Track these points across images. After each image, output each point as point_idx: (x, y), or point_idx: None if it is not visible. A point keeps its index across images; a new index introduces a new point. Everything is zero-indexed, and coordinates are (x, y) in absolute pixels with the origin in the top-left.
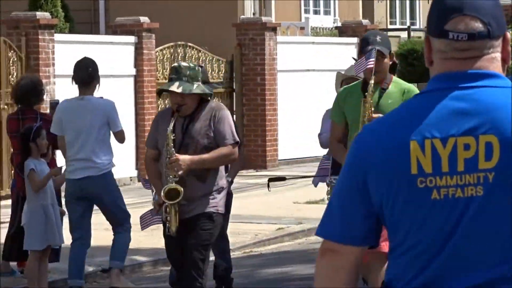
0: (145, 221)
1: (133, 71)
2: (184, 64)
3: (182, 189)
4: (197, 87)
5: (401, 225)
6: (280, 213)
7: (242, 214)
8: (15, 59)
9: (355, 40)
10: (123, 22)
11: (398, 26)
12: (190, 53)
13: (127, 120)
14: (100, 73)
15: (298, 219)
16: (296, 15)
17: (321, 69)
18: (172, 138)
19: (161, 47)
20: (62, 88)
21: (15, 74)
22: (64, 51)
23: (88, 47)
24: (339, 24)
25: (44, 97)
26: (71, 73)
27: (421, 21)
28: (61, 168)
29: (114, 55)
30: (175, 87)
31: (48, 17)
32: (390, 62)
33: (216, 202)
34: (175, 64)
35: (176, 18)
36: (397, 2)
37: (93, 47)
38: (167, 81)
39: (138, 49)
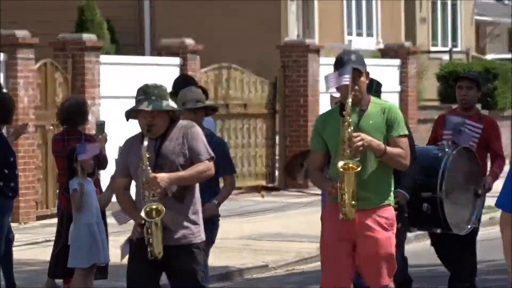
0: (120, 216)
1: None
2: (151, 84)
3: (163, 207)
4: (166, 105)
5: None
6: None
7: (284, 233)
8: (61, 80)
9: (397, 62)
10: (168, 44)
11: (440, 48)
12: (234, 75)
13: None
14: None
15: None
16: (339, 36)
17: None
18: (148, 156)
19: (205, 69)
20: (107, 109)
21: (61, 95)
22: (110, 73)
23: (133, 69)
24: (382, 46)
25: (89, 118)
26: (117, 94)
27: (463, 43)
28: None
29: (159, 77)
30: (145, 106)
31: (94, 39)
32: (367, 81)
33: (197, 232)
34: (142, 85)
35: (220, 39)
36: (439, 25)
37: (138, 68)
38: (212, 102)
39: (183, 70)
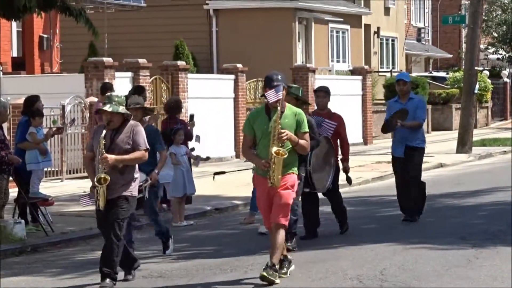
0: (85, 201)
1: (232, 95)
2: (114, 94)
3: (108, 177)
4: (121, 109)
5: None
6: None
7: None
8: (165, 88)
9: (360, 77)
10: (227, 67)
11: (385, 69)
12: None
13: (228, 121)
14: (213, 96)
15: None
16: (326, 62)
17: (340, 94)
18: (103, 143)
19: (248, 81)
20: (192, 105)
21: (164, 97)
22: (193, 84)
23: (207, 81)
24: (351, 68)
25: (183, 110)
26: (198, 96)
27: (398, 66)
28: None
29: (221, 86)
30: (107, 108)
31: (184, 64)
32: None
33: (131, 189)
34: (108, 94)
35: (257, 63)
36: (384, 55)
37: (209, 81)
38: (252, 101)
39: (236, 82)
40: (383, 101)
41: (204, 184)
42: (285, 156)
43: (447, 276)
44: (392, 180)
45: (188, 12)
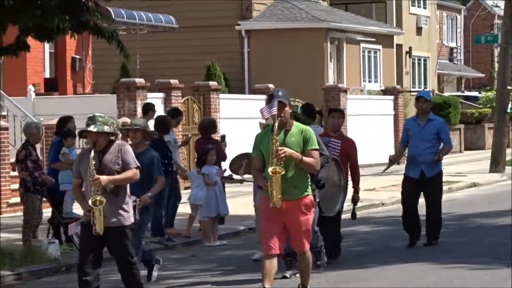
0: (73, 228)
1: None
2: (97, 114)
3: (104, 199)
4: (107, 128)
5: None
6: None
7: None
8: (197, 108)
9: (392, 97)
10: (258, 87)
11: (416, 88)
12: (295, 104)
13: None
14: (245, 116)
15: None
16: (358, 82)
17: (372, 114)
18: (94, 163)
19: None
20: (224, 126)
21: (196, 117)
22: (225, 104)
23: (239, 101)
24: (383, 88)
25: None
26: (230, 116)
27: (430, 86)
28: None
29: (253, 107)
30: (92, 128)
31: (215, 84)
32: (290, 110)
33: (128, 217)
34: (90, 115)
35: (289, 83)
36: (416, 75)
37: (241, 101)
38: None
39: (267, 103)
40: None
41: (236, 204)
42: (282, 173)
43: None
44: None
45: (220, 33)
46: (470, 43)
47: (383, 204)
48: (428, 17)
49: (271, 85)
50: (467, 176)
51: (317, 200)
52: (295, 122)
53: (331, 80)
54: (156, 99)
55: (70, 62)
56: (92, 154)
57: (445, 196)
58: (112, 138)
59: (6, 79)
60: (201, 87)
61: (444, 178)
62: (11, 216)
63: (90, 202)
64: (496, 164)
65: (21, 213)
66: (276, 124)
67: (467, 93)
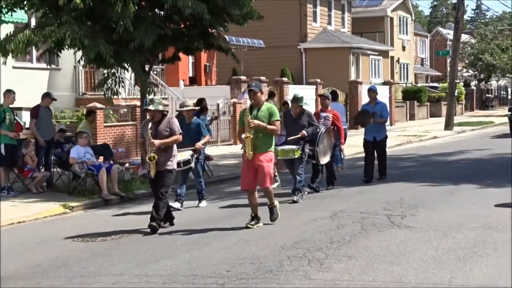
0: (141, 171)
1: (314, 98)
2: (154, 97)
3: (156, 155)
4: (161, 107)
5: None
6: None
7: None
8: (277, 96)
9: (388, 87)
10: (311, 81)
11: (402, 82)
12: (327, 90)
13: None
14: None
15: None
16: (367, 77)
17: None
18: (150, 132)
19: (323, 89)
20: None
21: (275, 99)
22: (292, 91)
23: (299, 89)
24: (383, 81)
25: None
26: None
27: (410, 80)
28: None
29: (308, 92)
30: (151, 107)
31: (286, 79)
32: (261, 95)
33: (172, 164)
34: (150, 97)
35: (329, 77)
36: (402, 74)
37: (300, 89)
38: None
39: (316, 90)
40: (401, 100)
41: None
42: (251, 137)
43: (440, 202)
44: (407, 146)
45: (289, 49)
46: (433, 55)
47: None
48: (409, 40)
49: (318, 80)
50: (430, 132)
51: (317, 153)
52: (265, 103)
53: (352, 77)
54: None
55: (203, 67)
56: (150, 124)
57: (416, 144)
58: (165, 113)
59: (167, 77)
60: (278, 81)
61: (416, 133)
62: None
63: (147, 157)
64: (448, 125)
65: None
66: (248, 105)
67: (431, 84)
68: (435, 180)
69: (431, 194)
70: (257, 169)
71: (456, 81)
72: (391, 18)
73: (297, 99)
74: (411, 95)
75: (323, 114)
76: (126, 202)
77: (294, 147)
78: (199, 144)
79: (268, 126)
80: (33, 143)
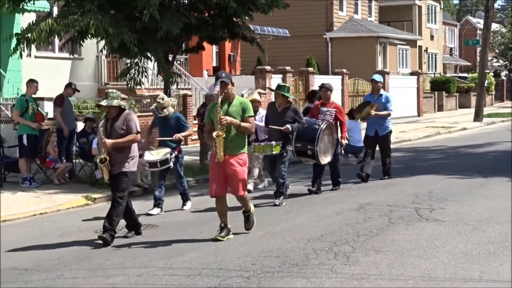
0: (98, 173)
1: (340, 88)
2: (110, 90)
3: (107, 156)
4: (115, 102)
5: None
6: None
7: None
8: (301, 84)
9: (415, 77)
10: (337, 71)
11: (430, 72)
12: (360, 82)
13: None
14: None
15: None
16: (395, 68)
17: (404, 87)
18: (102, 130)
19: (350, 79)
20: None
21: (300, 90)
22: (318, 81)
23: (325, 79)
24: (410, 71)
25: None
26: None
27: (438, 70)
28: None
29: (334, 82)
30: (103, 103)
31: (311, 70)
32: (233, 87)
33: (129, 166)
34: (106, 91)
35: (356, 67)
36: (430, 63)
37: (327, 79)
38: (352, 92)
39: (343, 80)
40: (429, 91)
41: None
42: (223, 136)
43: (469, 195)
44: (436, 137)
45: (315, 38)
46: (462, 44)
47: (409, 140)
48: (437, 29)
49: (344, 70)
50: (459, 123)
51: (316, 152)
52: (236, 96)
53: (379, 67)
54: (276, 78)
55: (227, 57)
56: (103, 121)
57: (445, 136)
58: (123, 107)
59: (190, 67)
60: (304, 71)
61: (444, 124)
62: (194, 146)
63: (98, 160)
64: (477, 117)
65: (198, 144)
66: (220, 99)
67: (460, 75)
68: (464, 172)
69: (460, 186)
70: (229, 174)
71: (486, 71)
72: (419, 7)
73: (281, 87)
74: (440, 86)
75: (324, 109)
76: (149, 193)
77: (272, 142)
78: (178, 135)
79: (242, 124)
80: (55, 134)
